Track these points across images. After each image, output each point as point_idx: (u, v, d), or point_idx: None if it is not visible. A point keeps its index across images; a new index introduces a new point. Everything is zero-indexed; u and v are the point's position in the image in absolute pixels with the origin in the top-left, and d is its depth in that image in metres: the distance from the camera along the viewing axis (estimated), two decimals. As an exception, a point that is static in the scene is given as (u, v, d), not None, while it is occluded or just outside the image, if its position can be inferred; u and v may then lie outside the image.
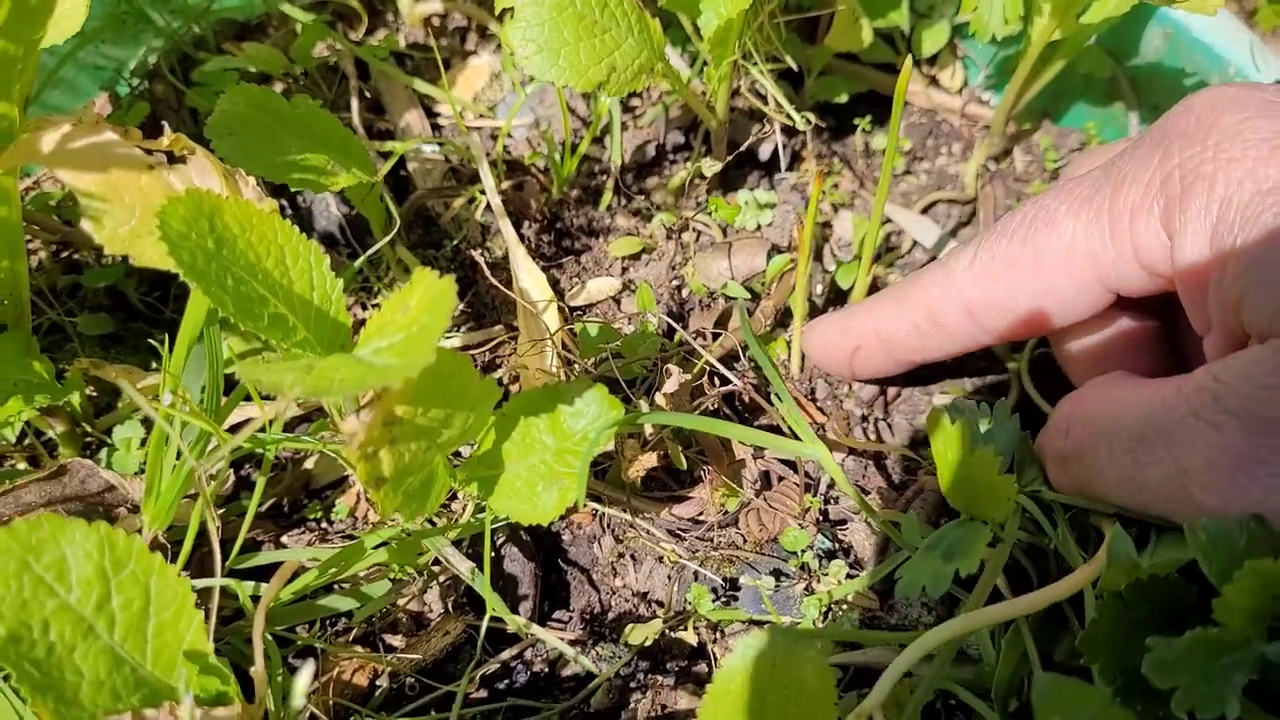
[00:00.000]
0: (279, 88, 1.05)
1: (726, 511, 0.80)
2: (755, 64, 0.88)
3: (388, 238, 0.77)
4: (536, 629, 0.74)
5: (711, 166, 0.92)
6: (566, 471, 0.69)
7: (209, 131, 0.74)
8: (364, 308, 0.91)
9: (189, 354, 0.66)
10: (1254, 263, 0.53)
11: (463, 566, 0.73)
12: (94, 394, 0.86)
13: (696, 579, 0.77)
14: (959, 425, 0.67)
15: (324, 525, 0.83)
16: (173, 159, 0.63)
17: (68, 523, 0.53)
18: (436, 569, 0.77)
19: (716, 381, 0.84)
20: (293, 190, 0.90)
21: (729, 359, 0.87)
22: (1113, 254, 0.64)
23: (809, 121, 0.87)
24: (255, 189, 0.65)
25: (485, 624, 0.72)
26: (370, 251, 0.82)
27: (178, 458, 0.69)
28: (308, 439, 0.73)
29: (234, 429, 0.77)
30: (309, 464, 0.86)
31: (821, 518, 0.80)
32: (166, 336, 0.71)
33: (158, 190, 0.61)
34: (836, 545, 0.78)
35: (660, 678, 0.74)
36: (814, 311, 0.91)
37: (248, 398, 0.76)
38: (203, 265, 0.58)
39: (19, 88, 0.61)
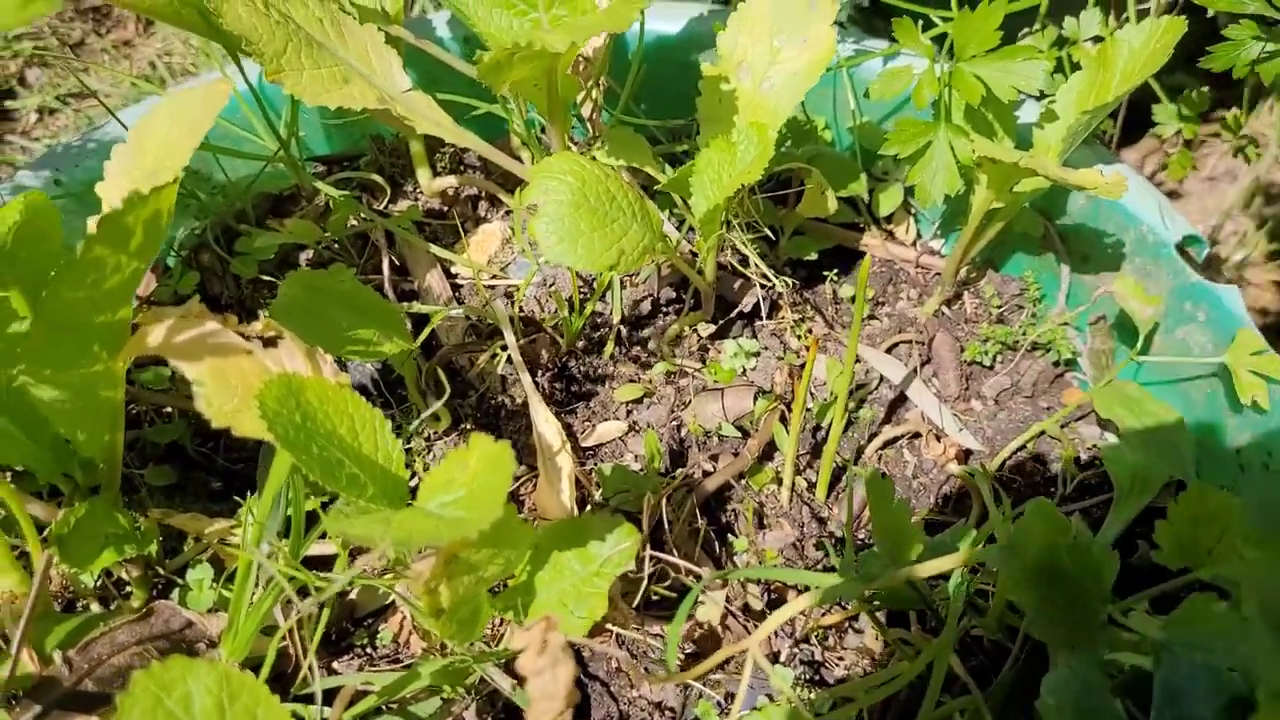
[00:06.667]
0: (310, 252, 1.18)
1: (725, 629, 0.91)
2: (736, 234, 1.02)
3: (436, 406, 0.88)
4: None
5: (706, 329, 1.06)
6: (594, 592, 0.80)
7: (273, 315, 0.86)
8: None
9: (272, 508, 0.77)
10: None
11: (504, 683, 0.83)
12: (161, 538, 0.97)
13: (701, 696, 0.88)
14: (886, 483, 0.79)
15: (369, 651, 0.93)
16: (266, 341, 0.75)
17: (193, 663, 0.64)
18: (481, 687, 0.87)
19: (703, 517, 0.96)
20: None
21: (722, 490, 1.00)
22: None
23: (787, 284, 1.01)
24: (331, 365, 0.77)
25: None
26: (423, 417, 0.94)
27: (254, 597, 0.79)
28: (379, 579, 0.83)
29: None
30: (353, 594, 0.97)
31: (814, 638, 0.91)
32: (246, 491, 0.82)
33: (255, 372, 0.73)
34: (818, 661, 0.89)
35: (677, 777, 0.85)
36: (801, 443, 1.03)
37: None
38: (293, 436, 0.69)
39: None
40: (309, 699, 0.85)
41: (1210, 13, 1.02)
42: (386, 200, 1.23)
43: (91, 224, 0.86)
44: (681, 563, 0.88)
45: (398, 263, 1.17)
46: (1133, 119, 1.59)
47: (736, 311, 1.12)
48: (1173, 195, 1.83)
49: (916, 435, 1.07)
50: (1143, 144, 1.89)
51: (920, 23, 1.04)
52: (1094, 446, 1.05)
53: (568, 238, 0.85)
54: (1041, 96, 1.08)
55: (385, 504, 0.74)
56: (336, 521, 0.68)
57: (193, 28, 0.98)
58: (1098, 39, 1.12)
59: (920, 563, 0.75)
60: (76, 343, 0.70)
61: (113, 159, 0.87)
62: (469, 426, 1.03)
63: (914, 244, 1.22)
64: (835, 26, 0.97)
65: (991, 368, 1.12)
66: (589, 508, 0.98)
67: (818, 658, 0.90)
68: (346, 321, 0.90)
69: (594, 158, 1.04)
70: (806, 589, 0.92)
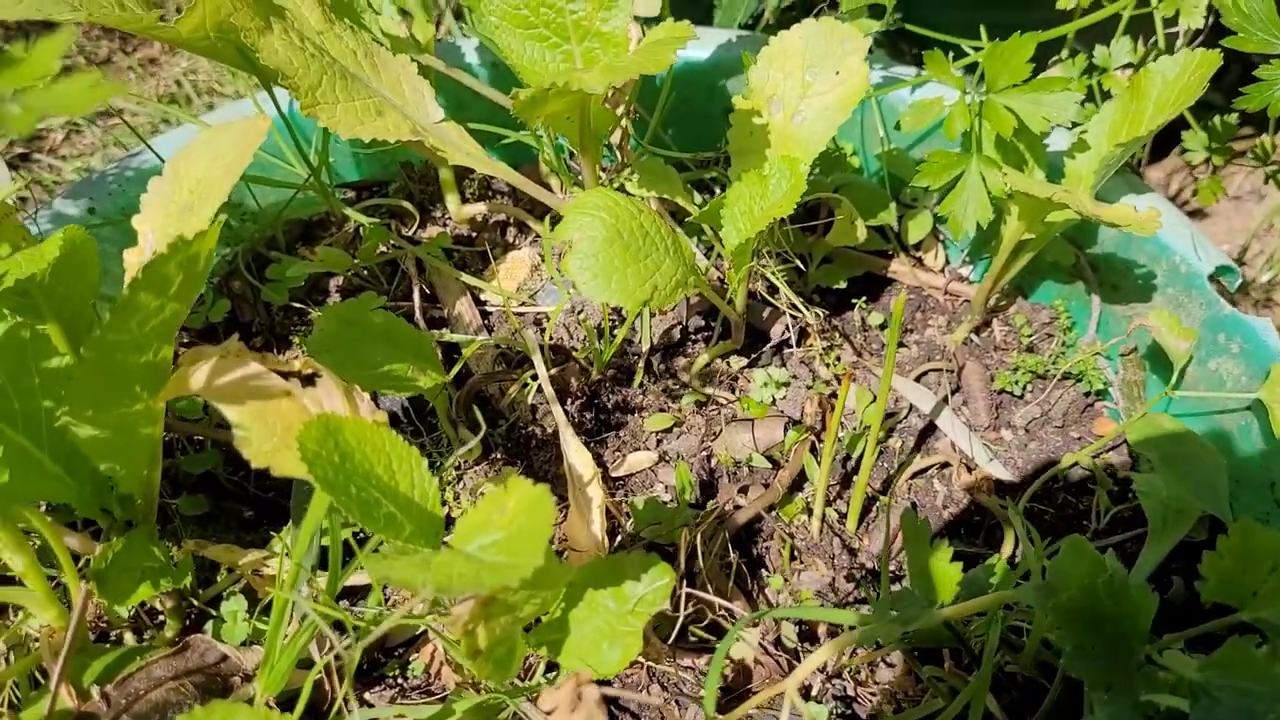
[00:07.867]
0: (340, 279, 1.19)
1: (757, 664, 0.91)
2: (766, 265, 1.02)
3: (473, 443, 0.88)
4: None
5: (737, 360, 1.06)
6: (628, 630, 0.80)
7: (309, 351, 0.87)
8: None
9: (310, 545, 0.77)
10: None
11: (537, 718, 0.83)
12: (195, 568, 0.97)
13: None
14: (923, 525, 0.79)
15: (401, 682, 0.94)
16: (305, 379, 0.76)
17: (233, 708, 0.64)
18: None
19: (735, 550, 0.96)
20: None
21: (753, 522, 1.00)
22: None
23: (818, 316, 1.01)
24: (368, 403, 0.77)
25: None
26: (459, 454, 0.94)
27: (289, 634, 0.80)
28: (415, 617, 0.84)
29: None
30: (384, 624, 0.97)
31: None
32: (278, 520, 0.82)
33: (295, 413, 0.73)
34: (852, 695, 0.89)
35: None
36: (831, 473, 1.03)
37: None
38: (332, 477, 0.69)
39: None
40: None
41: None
42: (416, 226, 1.24)
43: (128, 258, 0.87)
44: (716, 600, 0.88)
45: (428, 290, 1.17)
46: (1160, 135, 1.58)
47: (769, 346, 1.12)
48: (1199, 215, 1.82)
49: (946, 465, 1.07)
50: (1169, 162, 1.88)
51: (950, 53, 1.03)
52: (1127, 478, 1.04)
53: (602, 274, 0.85)
54: (1073, 126, 1.08)
55: (422, 543, 0.74)
56: (376, 564, 0.68)
57: (228, 60, 0.98)
58: (1129, 66, 1.12)
59: (956, 604, 0.75)
60: (118, 384, 0.71)
61: (149, 192, 0.87)
62: (499, 456, 1.04)
63: (943, 271, 1.22)
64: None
65: (1022, 397, 1.12)
66: (619, 539, 0.98)
67: (850, 693, 0.90)
68: (380, 355, 0.91)
69: (624, 188, 1.04)
70: (841, 627, 0.92)
